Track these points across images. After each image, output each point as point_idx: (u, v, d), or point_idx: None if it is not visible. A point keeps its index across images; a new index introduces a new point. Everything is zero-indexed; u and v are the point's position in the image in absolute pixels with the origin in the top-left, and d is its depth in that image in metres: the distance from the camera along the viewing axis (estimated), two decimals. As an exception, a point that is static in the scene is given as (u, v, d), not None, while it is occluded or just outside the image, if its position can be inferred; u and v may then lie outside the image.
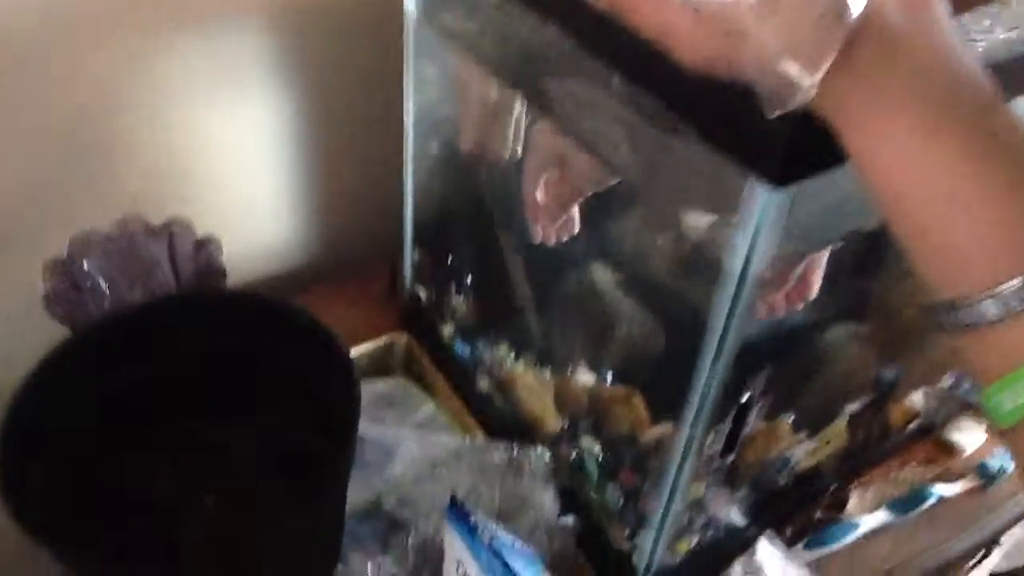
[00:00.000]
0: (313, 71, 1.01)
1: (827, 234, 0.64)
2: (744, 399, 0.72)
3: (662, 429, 0.88)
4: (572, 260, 0.98)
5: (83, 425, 0.72)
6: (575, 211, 0.92)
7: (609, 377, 0.94)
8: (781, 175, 0.53)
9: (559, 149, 0.88)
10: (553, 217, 0.91)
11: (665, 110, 0.56)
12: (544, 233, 0.92)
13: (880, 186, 0.45)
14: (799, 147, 0.51)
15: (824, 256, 0.72)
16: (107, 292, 0.79)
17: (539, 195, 0.89)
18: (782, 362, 0.75)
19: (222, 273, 0.84)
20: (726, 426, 0.73)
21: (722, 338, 0.61)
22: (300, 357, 0.75)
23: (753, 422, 0.77)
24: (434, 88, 0.90)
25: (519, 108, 0.88)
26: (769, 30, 0.43)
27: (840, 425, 0.93)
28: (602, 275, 1.00)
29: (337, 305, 1.05)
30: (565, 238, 0.92)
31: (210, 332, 0.77)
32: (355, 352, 1.01)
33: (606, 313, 0.96)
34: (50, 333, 0.74)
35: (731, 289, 0.58)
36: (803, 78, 0.44)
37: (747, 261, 0.57)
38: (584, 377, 0.94)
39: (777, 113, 0.45)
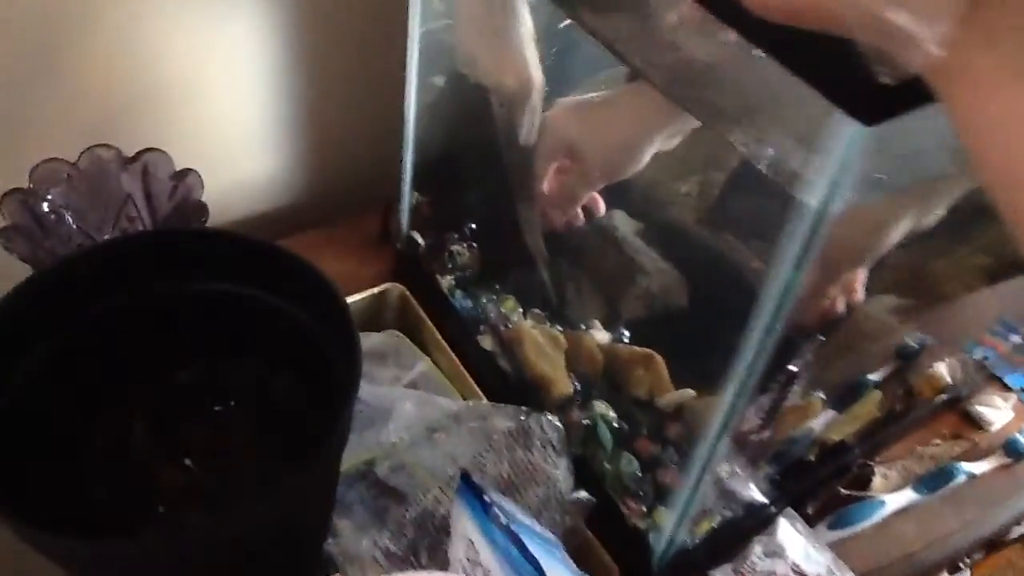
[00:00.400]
0: None
1: (900, 179, 0.56)
2: (792, 368, 0.65)
3: (684, 395, 0.82)
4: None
5: (48, 377, 0.63)
6: (594, 200, 0.89)
7: (626, 336, 0.87)
8: (870, 111, 0.45)
9: (572, 137, 0.82)
10: (563, 208, 0.86)
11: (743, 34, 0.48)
12: (554, 223, 0.88)
13: (998, 159, 0.38)
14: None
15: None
16: (74, 227, 0.71)
17: (547, 185, 0.84)
18: (832, 331, 0.68)
19: (202, 209, 0.75)
20: (768, 398, 0.66)
21: (783, 295, 0.53)
22: (291, 305, 0.67)
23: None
24: (445, 7, 0.81)
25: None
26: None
27: (872, 400, 0.86)
28: (623, 222, 0.93)
29: (326, 249, 0.99)
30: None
31: (189, 274, 0.68)
32: None
33: (626, 264, 0.89)
34: (10, 272, 0.65)
35: (803, 234, 0.51)
36: (924, 32, 0.35)
37: (825, 203, 0.49)
38: (599, 335, 0.88)
39: (889, 77, 0.37)
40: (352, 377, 0.59)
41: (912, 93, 0.41)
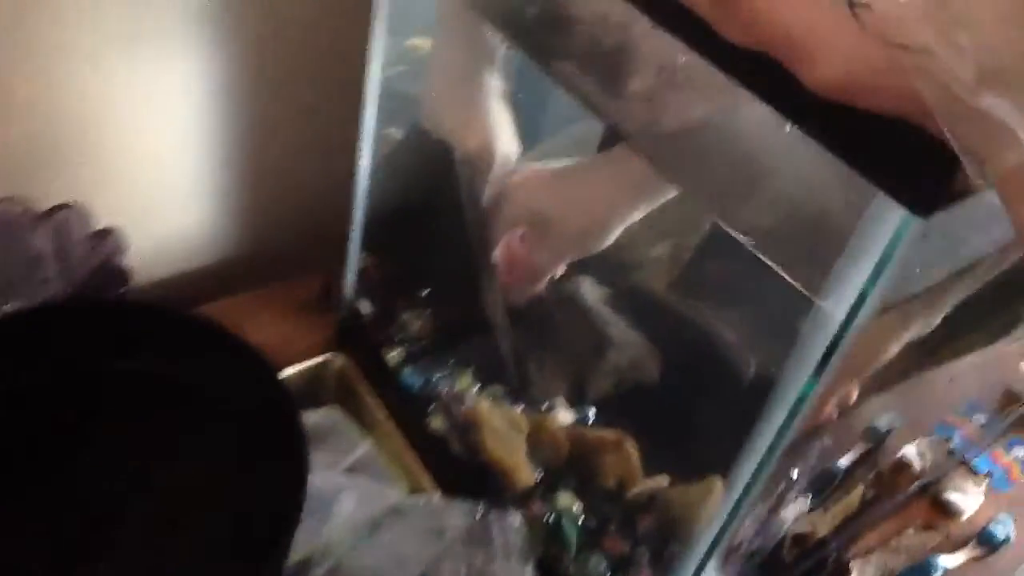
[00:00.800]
0: (249, 23, 0.84)
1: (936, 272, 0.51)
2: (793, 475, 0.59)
3: (656, 483, 0.75)
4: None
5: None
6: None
7: (593, 415, 0.80)
8: (925, 198, 0.39)
9: (539, 207, 0.77)
10: (523, 284, 0.80)
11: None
12: (512, 297, 0.83)
13: None
14: (947, 164, 0.37)
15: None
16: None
17: (508, 254, 0.80)
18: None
19: (124, 276, 0.66)
20: (765, 506, 0.59)
21: (797, 404, 0.47)
22: (226, 387, 0.58)
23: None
24: (405, 53, 0.75)
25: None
26: (961, 45, 0.30)
27: (855, 495, 0.81)
28: (589, 289, 0.87)
29: (260, 314, 0.93)
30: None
31: (107, 350, 0.59)
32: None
33: (592, 336, 0.84)
34: None
35: (827, 340, 0.44)
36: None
37: (858, 305, 0.43)
38: (564, 416, 0.81)
39: (979, 172, 0.32)
40: (298, 481, 0.51)
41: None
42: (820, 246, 0.46)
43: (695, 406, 0.80)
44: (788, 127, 0.42)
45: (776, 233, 0.49)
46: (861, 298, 0.43)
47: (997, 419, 1.08)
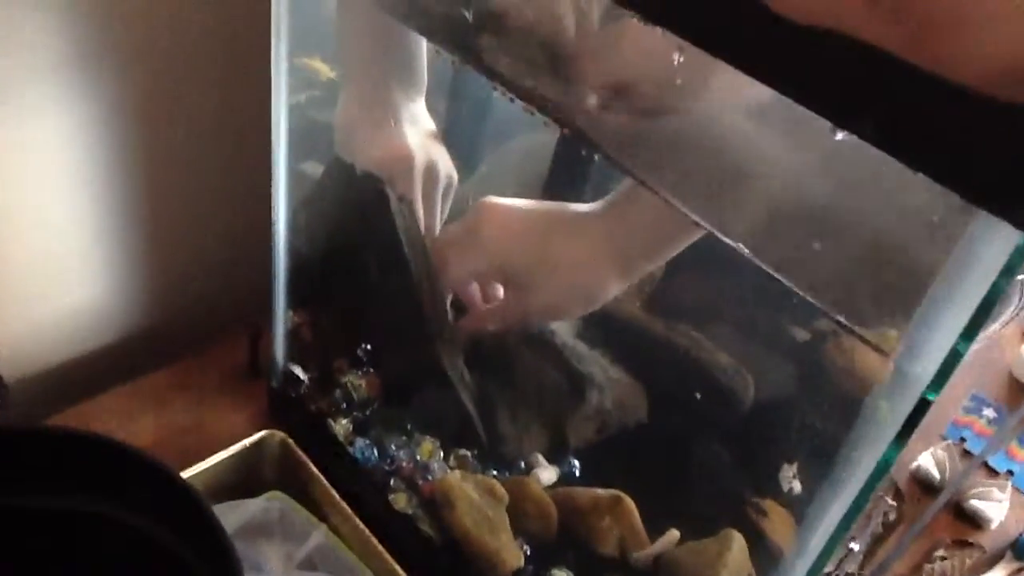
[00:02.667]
0: (139, 61, 0.75)
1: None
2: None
3: (666, 541, 0.66)
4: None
5: None
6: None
7: (578, 468, 0.71)
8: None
9: (507, 260, 0.67)
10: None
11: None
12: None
13: None
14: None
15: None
16: None
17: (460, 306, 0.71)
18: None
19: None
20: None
21: (887, 457, 0.36)
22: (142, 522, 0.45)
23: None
24: (320, 84, 0.65)
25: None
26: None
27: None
28: (561, 323, 0.78)
29: (178, 394, 0.84)
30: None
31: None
32: (205, 464, 0.74)
33: (569, 377, 0.76)
34: None
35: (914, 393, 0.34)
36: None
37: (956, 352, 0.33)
38: (545, 474, 0.72)
39: None
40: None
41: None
42: (887, 285, 0.36)
43: (694, 444, 0.70)
44: (837, 132, 0.32)
45: (815, 266, 0.39)
46: (955, 356, 0.33)
47: (1007, 413, 1.01)
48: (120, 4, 0.70)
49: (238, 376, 0.84)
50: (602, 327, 0.76)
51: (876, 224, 0.37)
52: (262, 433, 0.77)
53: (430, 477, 0.69)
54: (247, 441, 0.77)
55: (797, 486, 0.65)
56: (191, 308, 0.91)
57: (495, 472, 0.70)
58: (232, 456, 0.76)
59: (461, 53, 0.54)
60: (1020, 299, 0.55)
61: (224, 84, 0.80)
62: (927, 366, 0.34)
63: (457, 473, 0.68)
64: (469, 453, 0.71)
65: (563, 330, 0.74)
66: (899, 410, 0.36)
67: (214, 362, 0.85)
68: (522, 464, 0.71)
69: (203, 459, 0.75)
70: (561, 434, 0.73)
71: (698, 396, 0.71)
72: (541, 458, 0.72)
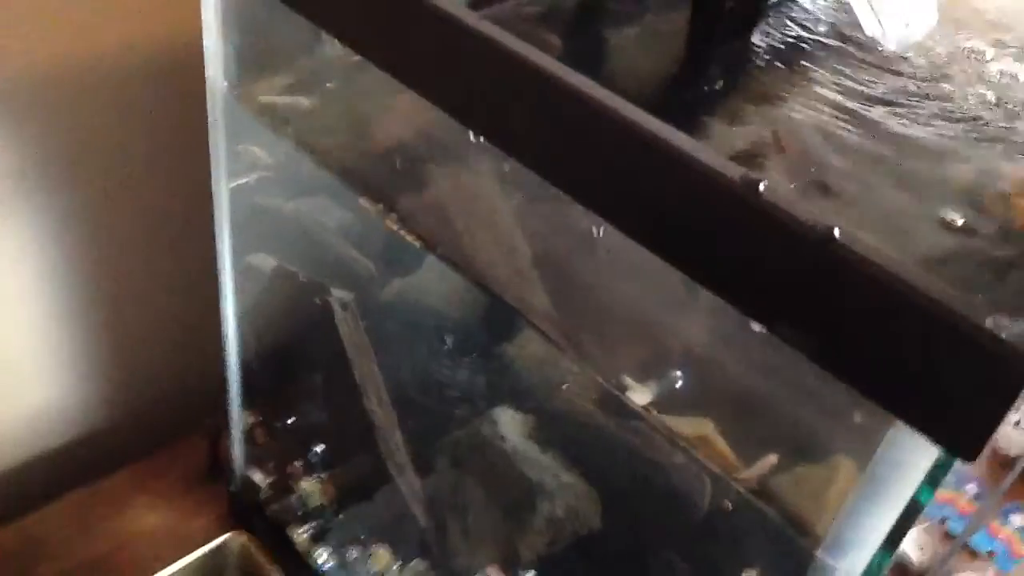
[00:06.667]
0: (84, 164, 0.76)
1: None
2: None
3: None
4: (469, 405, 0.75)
5: None
6: None
7: None
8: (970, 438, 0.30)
9: None
10: None
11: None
12: None
13: None
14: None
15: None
16: None
17: None
18: None
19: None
20: None
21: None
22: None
23: None
24: (260, 183, 0.67)
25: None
26: None
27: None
28: (509, 424, 0.76)
29: (136, 497, 0.83)
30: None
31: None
32: (167, 572, 0.75)
33: (519, 484, 0.72)
34: None
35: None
36: None
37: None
38: None
39: None
40: None
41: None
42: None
43: (648, 551, 0.68)
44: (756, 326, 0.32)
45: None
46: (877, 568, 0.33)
47: (988, 488, 0.98)
48: (60, 117, 0.72)
49: (199, 477, 0.83)
50: (551, 426, 0.75)
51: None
52: (223, 537, 0.78)
53: (387, 587, 0.68)
54: (209, 546, 0.77)
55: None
56: (150, 409, 0.91)
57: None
58: (194, 562, 0.76)
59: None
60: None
61: (170, 186, 0.81)
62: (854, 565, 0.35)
63: (411, 582, 0.68)
64: (424, 565, 0.70)
65: (511, 431, 0.73)
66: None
67: (177, 460, 0.85)
68: (475, 579, 0.70)
69: (165, 565, 0.75)
70: (513, 547, 0.72)
71: (651, 500, 0.69)
72: (495, 573, 0.71)
